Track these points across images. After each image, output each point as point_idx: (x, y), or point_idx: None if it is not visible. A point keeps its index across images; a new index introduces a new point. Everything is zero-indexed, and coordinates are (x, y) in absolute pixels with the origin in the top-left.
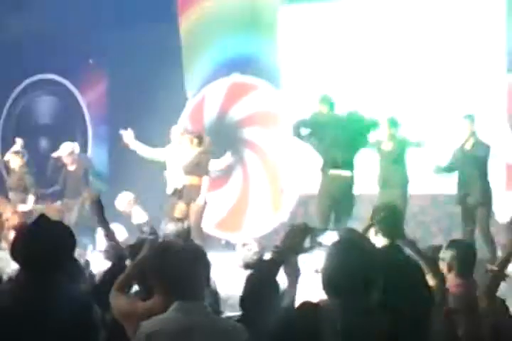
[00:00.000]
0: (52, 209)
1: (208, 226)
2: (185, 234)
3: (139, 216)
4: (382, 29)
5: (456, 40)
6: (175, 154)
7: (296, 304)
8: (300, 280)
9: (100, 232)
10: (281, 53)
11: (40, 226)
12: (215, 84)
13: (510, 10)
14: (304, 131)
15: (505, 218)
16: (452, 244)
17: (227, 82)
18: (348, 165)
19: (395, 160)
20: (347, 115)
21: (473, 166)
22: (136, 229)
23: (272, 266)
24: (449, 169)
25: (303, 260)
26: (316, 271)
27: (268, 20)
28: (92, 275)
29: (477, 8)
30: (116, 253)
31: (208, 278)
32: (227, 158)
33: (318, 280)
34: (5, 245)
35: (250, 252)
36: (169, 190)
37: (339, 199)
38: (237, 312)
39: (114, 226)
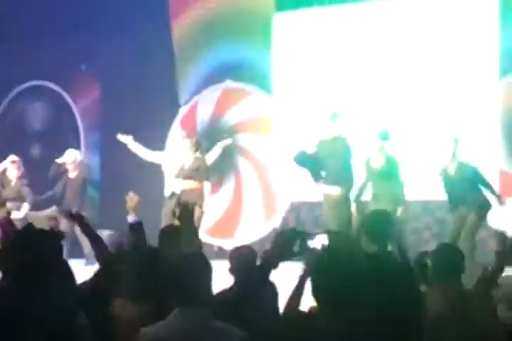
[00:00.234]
0: (44, 217)
1: (200, 233)
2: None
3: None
4: (376, 36)
5: (449, 46)
6: (173, 159)
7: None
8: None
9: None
10: (275, 60)
11: (26, 236)
12: (208, 90)
13: (503, 16)
14: None
15: (497, 224)
16: (437, 248)
17: (219, 89)
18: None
19: (384, 173)
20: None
21: (462, 188)
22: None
23: (262, 271)
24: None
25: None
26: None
27: (261, 27)
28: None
29: (470, 14)
30: (103, 258)
31: (210, 284)
32: (217, 150)
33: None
34: None
35: None
36: (167, 193)
37: None
38: None
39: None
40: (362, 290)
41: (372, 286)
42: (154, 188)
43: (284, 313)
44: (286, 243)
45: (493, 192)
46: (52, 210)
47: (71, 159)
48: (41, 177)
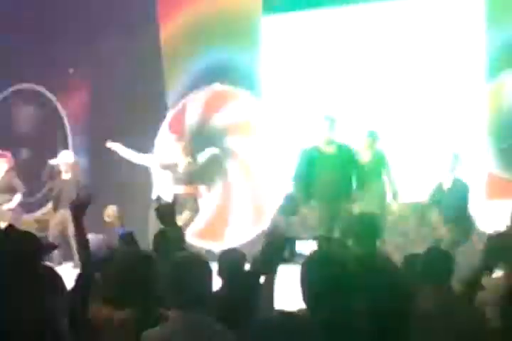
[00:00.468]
0: (33, 220)
1: (189, 235)
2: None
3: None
4: (364, 39)
5: (436, 49)
6: (162, 162)
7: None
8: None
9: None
10: (263, 63)
11: (4, 238)
12: (196, 93)
13: (490, 18)
14: None
15: (486, 227)
16: (427, 251)
17: (208, 92)
18: None
19: (371, 172)
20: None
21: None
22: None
23: (252, 277)
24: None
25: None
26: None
27: (249, 30)
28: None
29: (457, 16)
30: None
31: (210, 286)
32: (204, 156)
33: (297, 289)
34: None
35: None
36: (154, 196)
37: None
38: None
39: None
40: (351, 291)
41: (361, 287)
42: (143, 191)
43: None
44: (275, 249)
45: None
46: (41, 213)
47: (65, 160)
48: (29, 180)
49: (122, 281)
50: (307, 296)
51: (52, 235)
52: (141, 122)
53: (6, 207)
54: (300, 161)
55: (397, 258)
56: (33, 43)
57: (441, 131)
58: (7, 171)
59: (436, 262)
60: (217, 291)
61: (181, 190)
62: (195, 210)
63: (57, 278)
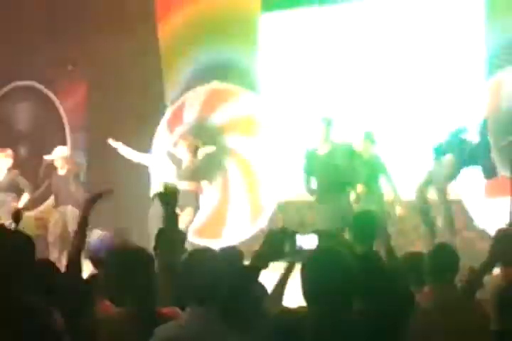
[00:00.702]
0: (32, 216)
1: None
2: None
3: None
4: (363, 36)
5: (435, 46)
6: (160, 160)
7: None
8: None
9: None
10: (262, 60)
11: None
12: (195, 91)
13: (489, 15)
14: None
15: (484, 225)
16: (434, 248)
17: (206, 89)
18: None
19: (369, 172)
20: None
21: None
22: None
23: (252, 273)
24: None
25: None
26: None
27: (248, 27)
28: None
29: (456, 14)
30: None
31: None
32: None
33: (297, 286)
34: None
35: None
36: (152, 193)
37: None
38: None
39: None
40: (352, 290)
41: (362, 286)
42: (141, 188)
43: (270, 312)
44: (275, 243)
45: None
46: (39, 211)
47: (60, 155)
48: (28, 177)
49: (121, 279)
50: (308, 293)
51: (53, 233)
52: (139, 119)
53: (14, 205)
54: (303, 162)
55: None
56: (33, 41)
57: (440, 128)
58: (10, 168)
59: (444, 260)
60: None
61: (184, 186)
62: (196, 207)
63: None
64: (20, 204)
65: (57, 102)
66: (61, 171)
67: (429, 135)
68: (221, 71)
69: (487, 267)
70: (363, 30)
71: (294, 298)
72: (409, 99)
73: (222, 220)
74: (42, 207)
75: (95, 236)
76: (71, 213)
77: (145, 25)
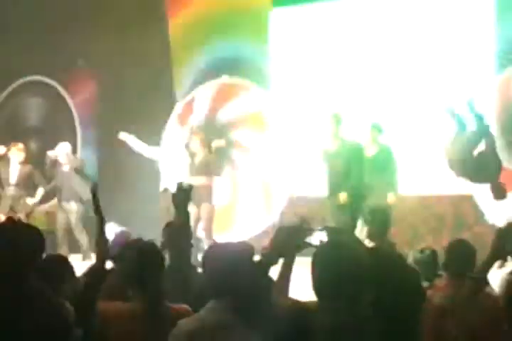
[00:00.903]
0: (42, 212)
1: (198, 229)
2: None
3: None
4: (373, 31)
5: (446, 41)
6: (170, 154)
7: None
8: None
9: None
10: (272, 55)
11: (4, 231)
12: (205, 86)
13: (499, 11)
14: None
15: (495, 219)
16: (451, 243)
17: (216, 84)
18: None
19: (378, 166)
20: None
21: None
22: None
23: (262, 268)
24: None
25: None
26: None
27: (258, 22)
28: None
29: (467, 9)
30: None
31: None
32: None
33: (308, 280)
34: None
35: None
36: (161, 188)
37: None
38: None
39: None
40: (364, 284)
41: (373, 280)
42: (151, 183)
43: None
44: (286, 239)
45: None
46: (49, 205)
47: (62, 152)
48: (38, 172)
49: (132, 275)
50: (318, 287)
51: (59, 229)
52: (149, 114)
53: (29, 201)
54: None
55: (407, 251)
56: (43, 35)
57: (450, 123)
58: (22, 162)
59: (460, 255)
60: None
61: (198, 181)
62: (212, 202)
63: (67, 267)
64: (36, 199)
65: (67, 98)
66: (65, 167)
67: (438, 130)
68: (231, 66)
69: (489, 263)
70: (374, 25)
71: (301, 292)
72: (420, 94)
73: (233, 215)
74: (52, 202)
75: (110, 231)
76: (74, 208)
77: (155, 22)
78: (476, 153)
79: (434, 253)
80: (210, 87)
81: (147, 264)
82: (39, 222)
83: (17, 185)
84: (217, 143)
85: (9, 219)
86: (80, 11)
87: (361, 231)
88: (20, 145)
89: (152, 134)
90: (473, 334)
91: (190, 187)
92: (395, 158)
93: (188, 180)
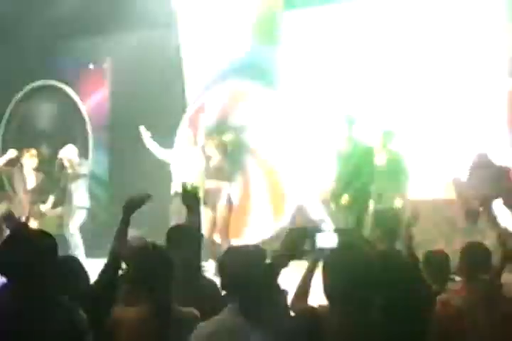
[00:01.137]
0: (54, 216)
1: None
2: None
3: None
4: (384, 33)
5: (458, 44)
6: (190, 157)
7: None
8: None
9: None
10: (283, 58)
11: (18, 236)
12: (216, 89)
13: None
14: None
15: (508, 223)
16: (466, 246)
17: (227, 87)
18: None
19: (388, 173)
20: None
21: None
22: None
23: (272, 271)
24: None
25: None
26: None
27: (269, 25)
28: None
29: (479, 12)
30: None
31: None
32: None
33: (318, 284)
34: None
35: None
36: (173, 191)
37: None
38: None
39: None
40: (374, 287)
41: (384, 285)
42: (163, 186)
43: (293, 312)
44: (296, 242)
45: None
46: (60, 209)
47: (67, 155)
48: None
49: (139, 278)
50: (330, 290)
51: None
52: (160, 118)
53: (42, 207)
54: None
55: (417, 254)
56: (55, 39)
57: (462, 125)
58: (36, 168)
59: (477, 258)
60: None
61: (213, 184)
62: (229, 205)
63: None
64: (48, 205)
65: (78, 101)
66: (70, 170)
67: (451, 132)
68: (242, 69)
69: (501, 266)
70: (385, 27)
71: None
72: (432, 97)
73: (244, 219)
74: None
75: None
76: (74, 212)
77: (167, 24)
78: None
79: (445, 256)
80: (221, 90)
81: (155, 268)
82: (51, 226)
83: (31, 191)
84: (230, 148)
85: (22, 225)
86: (93, 16)
87: (372, 233)
88: (33, 152)
89: (164, 137)
90: (490, 337)
91: (196, 188)
92: (405, 165)
93: (202, 183)
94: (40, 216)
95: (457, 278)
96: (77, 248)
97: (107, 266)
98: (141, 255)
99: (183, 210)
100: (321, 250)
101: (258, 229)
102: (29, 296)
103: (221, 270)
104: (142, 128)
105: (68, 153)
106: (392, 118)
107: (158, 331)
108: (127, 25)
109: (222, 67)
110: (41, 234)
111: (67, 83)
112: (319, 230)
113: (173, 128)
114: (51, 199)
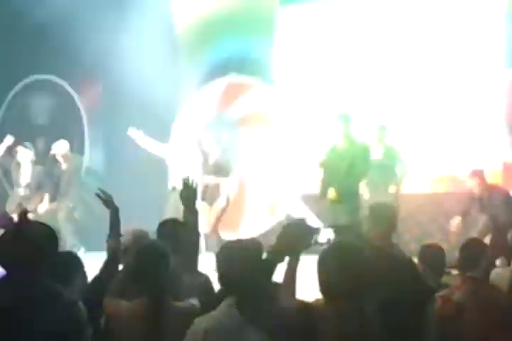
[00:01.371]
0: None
1: (204, 226)
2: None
3: None
4: (380, 29)
5: (456, 36)
6: (187, 152)
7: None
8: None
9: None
10: (279, 54)
11: (20, 229)
12: (212, 84)
13: (511, 7)
14: None
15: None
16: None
17: (223, 82)
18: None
19: (384, 168)
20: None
21: None
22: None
23: (268, 266)
24: None
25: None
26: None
27: (265, 20)
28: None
29: (477, 3)
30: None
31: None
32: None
33: (313, 279)
34: None
35: None
36: (170, 187)
37: None
38: None
39: None
40: (371, 284)
41: (380, 280)
42: (158, 182)
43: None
44: (293, 237)
45: None
46: (53, 204)
47: (59, 150)
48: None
49: (134, 272)
50: (326, 286)
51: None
52: (156, 113)
53: (40, 208)
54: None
55: (414, 248)
56: (50, 35)
57: (458, 120)
58: (33, 161)
59: (476, 253)
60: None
61: (212, 180)
62: (226, 201)
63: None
64: (44, 205)
65: (75, 96)
66: (63, 165)
67: (447, 126)
68: (239, 64)
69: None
70: (381, 23)
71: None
72: (428, 92)
73: (240, 213)
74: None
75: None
76: (62, 207)
77: (163, 19)
78: None
79: (441, 250)
80: (218, 86)
81: (148, 262)
82: (44, 221)
83: (27, 185)
84: (227, 143)
85: (22, 215)
86: (90, 10)
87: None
88: (27, 145)
89: (160, 133)
90: (491, 332)
91: (196, 184)
92: (401, 159)
93: (200, 178)
94: (34, 210)
95: (454, 272)
96: (70, 243)
97: (106, 263)
98: (133, 249)
99: (180, 206)
100: (321, 245)
101: (254, 223)
102: (29, 287)
103: (218, 265)
104: (131, 131)
105: (61, 149)
106: (389, 113)
107: (152, 325)
108: (123, 21)
109: (218, 62)
110: (42, 226)
111: (64, 78)
112: (316, 226)
113: (168, 125)
114: (47, 197)
